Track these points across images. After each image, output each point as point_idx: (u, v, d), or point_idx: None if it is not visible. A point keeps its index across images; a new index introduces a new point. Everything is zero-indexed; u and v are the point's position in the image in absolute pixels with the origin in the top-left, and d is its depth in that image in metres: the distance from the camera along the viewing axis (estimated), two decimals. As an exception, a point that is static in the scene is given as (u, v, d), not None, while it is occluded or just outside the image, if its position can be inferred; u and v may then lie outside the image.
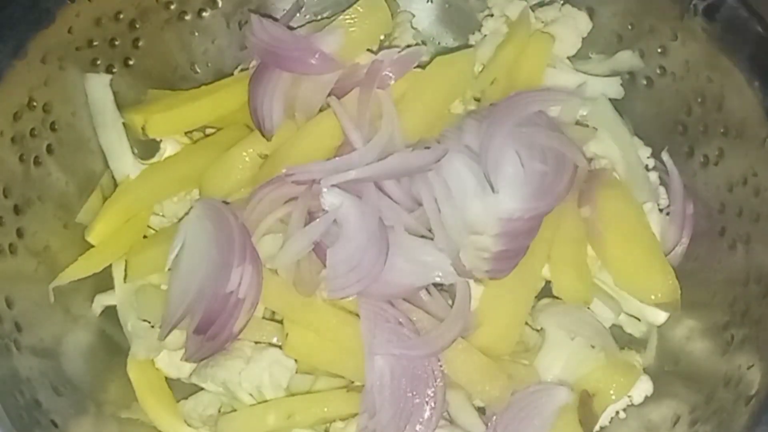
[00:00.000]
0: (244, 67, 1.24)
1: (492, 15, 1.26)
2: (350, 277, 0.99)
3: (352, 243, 1.00)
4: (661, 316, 1.16)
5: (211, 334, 1.02)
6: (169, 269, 1.07)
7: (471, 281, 1.05)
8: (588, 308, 1.13)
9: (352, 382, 1.06)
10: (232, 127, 1.19)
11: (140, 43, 1.20)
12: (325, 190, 1.00)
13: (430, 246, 1.02)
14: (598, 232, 1.11)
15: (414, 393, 1.00)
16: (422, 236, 1.03)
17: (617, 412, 1.13)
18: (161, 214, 1.16)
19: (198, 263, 1.03)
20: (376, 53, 1.15)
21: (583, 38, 1.22)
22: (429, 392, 1.00)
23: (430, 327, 1.02)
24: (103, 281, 1.15)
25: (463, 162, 1.03)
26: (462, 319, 1.01)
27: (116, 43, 1.17)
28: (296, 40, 1.15)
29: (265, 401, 1.06)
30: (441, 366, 1.01)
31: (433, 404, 1.00)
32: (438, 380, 1.00)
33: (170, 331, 1.04)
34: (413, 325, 1.02)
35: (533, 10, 1.23)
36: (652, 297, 1.11)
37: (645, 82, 1.20)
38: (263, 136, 1.13)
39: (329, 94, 1.13)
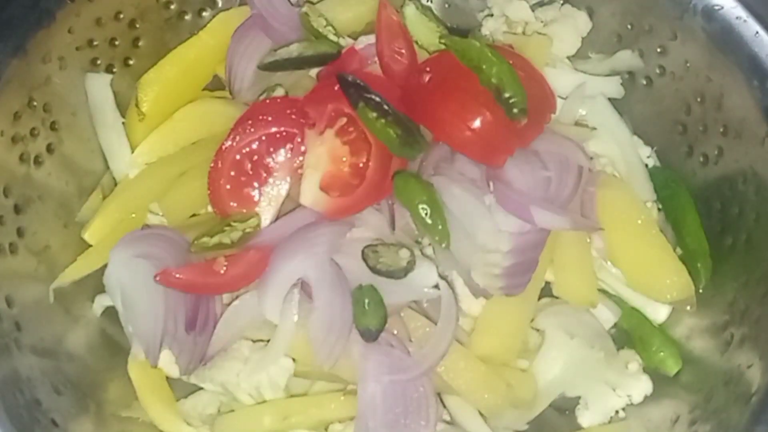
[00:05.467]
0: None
1: (492, 15, 1.26)
2: (330, 338, 1.00)
3: (317, 304, 1.00)
4: (661, 315, 1.16)
5: (200, 325, 1.04)
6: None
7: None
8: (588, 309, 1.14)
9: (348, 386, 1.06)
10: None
11: (140, 43, 1.20)
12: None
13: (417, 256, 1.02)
14: (603, 234, 1.11)
15: (406, 414, 1.00)
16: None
17: (617, 412, 1.13)
18: (159, 213, 1.16)
19: (152, 288, 1.03)
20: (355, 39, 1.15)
21: (583, 38, 1.22)
22: (421, 412, 1.00)
23: (424, 339, 1.02)
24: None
25: (461, 188, 1.03)
26: (449, 333, 1.00)
27: (116, 43, 1.17)
28: (287, 13, 1.16)
29: (263, 402, 1.06)
30: (432, 384, 1.01)
31: (424, 423, 1.00)
32: (430, 399, 1.01)
33: (159, 352, 1.04)
34: (404, 346, 1.02)
35: (533, 10, 1.24)
36: (668, 296, 1.11)
37: (644, 82, 1.20)
38: (230, 93, 1.16)
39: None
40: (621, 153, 1.18)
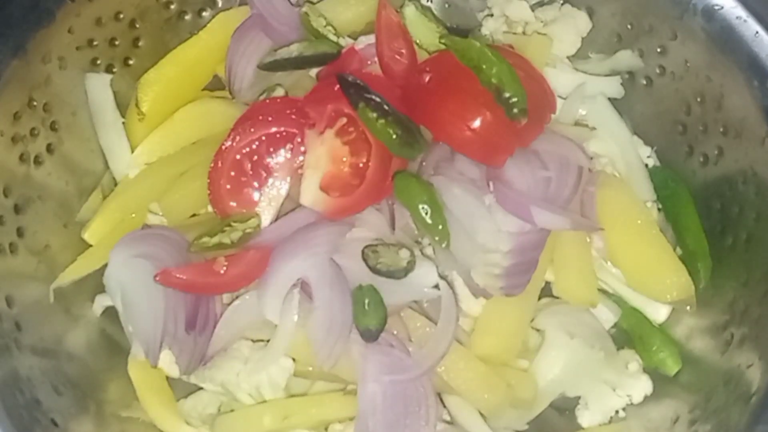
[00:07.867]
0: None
1: (492, 15, 1.26)
2: (330, 338, 1.00)
3: (317, 304, 1.01)
4: (661, 315, 1.16)
5: (200, 325, 1.04)
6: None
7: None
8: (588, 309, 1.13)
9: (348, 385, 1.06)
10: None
11: (140, 43, 1.20)
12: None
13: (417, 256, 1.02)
14: (603, 234, 1.11)
15: (407, 414, 1.00)
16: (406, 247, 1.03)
17: (617, 412, 1.13)
18: (159, 213, 1.16)
19: (151, 288, 1.03)
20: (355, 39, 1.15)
21: (583, 38, 1.22)
22: (421, 412, 1.00)
23: (424, 339, 1.02)
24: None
25: (461, 188, 1.03)
26: (449, 333, 1.00)
27: (116, 43, 1.17)
28: (287, 13, 1.16)
29: (263, 402, 1.06)
30: (432, 384, 1.02)
31: (424, 423, 1.00)
32: (429, 399, 1.01)
33: (159, 352, 1.04)
34: (404, 346, 1.02)
35: (533, 10, 1.24)
36: (668, 297, 1.11)
37: (644, 82, 1.21)
38: (230, 93, 1.17)
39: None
40: (621, 153, 1.18)
